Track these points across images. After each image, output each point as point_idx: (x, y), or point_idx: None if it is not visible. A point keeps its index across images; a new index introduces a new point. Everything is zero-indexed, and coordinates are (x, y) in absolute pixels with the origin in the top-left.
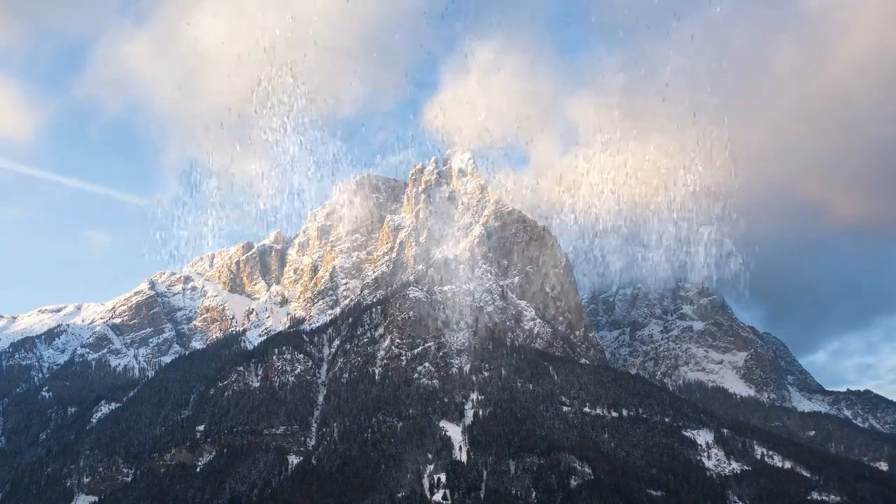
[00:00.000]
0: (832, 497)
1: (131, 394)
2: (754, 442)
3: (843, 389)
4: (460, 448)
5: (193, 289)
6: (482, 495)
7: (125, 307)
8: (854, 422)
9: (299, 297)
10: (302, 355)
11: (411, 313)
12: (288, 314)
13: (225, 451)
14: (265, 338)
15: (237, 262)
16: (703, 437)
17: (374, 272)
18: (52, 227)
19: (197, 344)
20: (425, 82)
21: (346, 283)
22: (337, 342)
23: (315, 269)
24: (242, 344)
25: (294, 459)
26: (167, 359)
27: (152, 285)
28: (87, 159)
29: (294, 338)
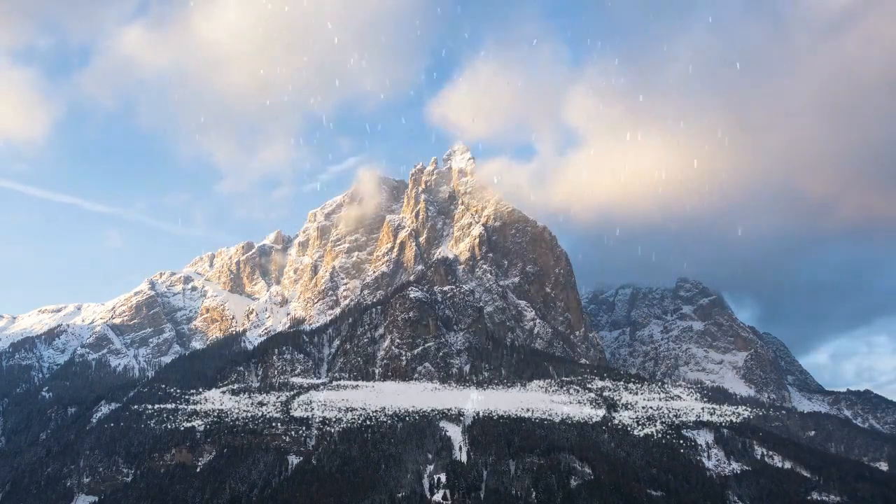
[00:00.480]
0: (832, 497)
1: (131, 394)
2: (754, 442)
3: (843, 389)
4: (460, 448)
5: (193, 289)
6: (482, 495)
7: (125, 307)
8: (854, 422)
9: (299, 297)
10: (302, 355)
11: (411, 313)
12: (288, 314)
13: (225, 451)
14: (265, 338)
15: (237, 262)
16: (703, 437)
17: (374, 272)
18: (61, 230)
19: (197, 344)
20: (434, 77)
21: (346, 283)
22: (337, 342)
23: (315, 269)
24: (242, 344)
25: (294, 459)
26: (167, 359)
27: (152, 285)
28: (93, 160)
29: (294, 338)
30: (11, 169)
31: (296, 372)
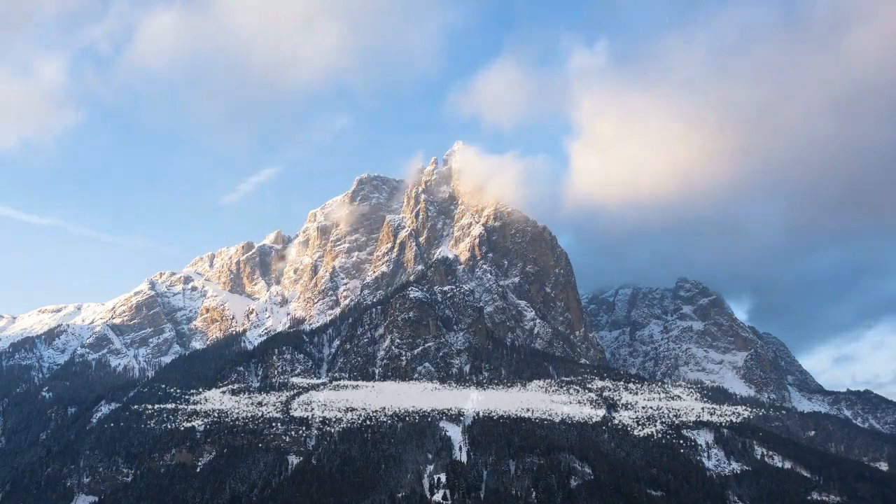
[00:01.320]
0: (832, 497)
1: (131, 394)
2: (754, 442)
3: (843, 389)
4: (460, 448)
5: (193, 289)
6: (482, 495)
7: (125, 307)
8: (854, 422)
9: (299, 297)
10: (302, 355)
11: (411, 313)
12: (288, 314)
13: (225, 451)
14: (265, 338)
15: (237, 263)
16: (703, 437)
17: (374, 272)
18: (60, 232)
19: (197, 344)
20: (449, 72)
21: (346, 283)
22: (337, 342)
23: (315, 269)
24: (243, 344)
25: (294, 459)
26: (167, 359)
27: (152, 285)
28: (98, 160)
29: (294, 338)
30: (24, 169)
31: (296, 372)
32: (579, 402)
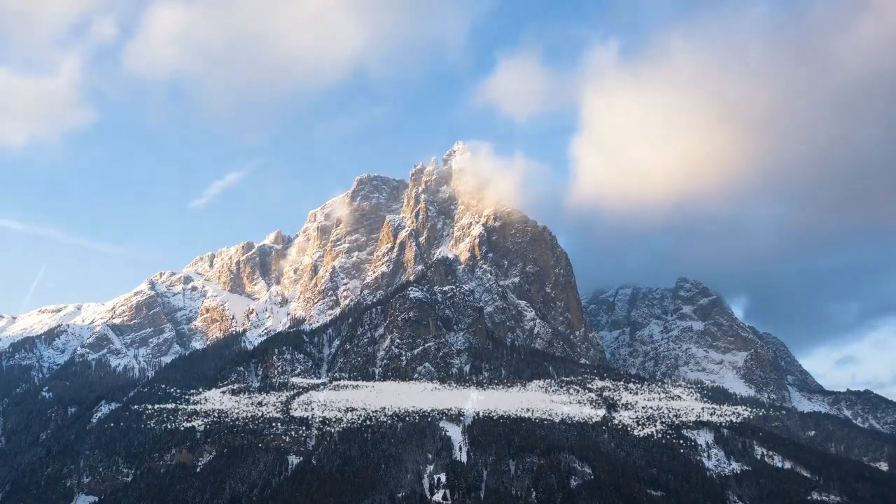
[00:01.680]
0: (832, 497)
1: (131, 394)
2: (754, 442)
3: (843, 389)
4: (460, 448)
5: (193, 289)
6: (482, 495)
7: (125, 307)
8: (854, 422)
9: (299, 297)
10: (302, 355)
11: (411, 313)
12: (288, 314)
13: (225, 451)
14: (265, 338)
15: (237, 263)
16: (703, 437)
17: (374, 272)
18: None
19: (197, 344)
20: (462, 69)
21: (346, 283)
22: (337, 342)
23: (315, 269)
24: (243, 344)
25: (294, 459)
26: (167, 359)
27: (152, 285)
28: (99, 158)
29: (294, 338)
30: (30, 168)
31: (296, 372)
32: (579, 402)
